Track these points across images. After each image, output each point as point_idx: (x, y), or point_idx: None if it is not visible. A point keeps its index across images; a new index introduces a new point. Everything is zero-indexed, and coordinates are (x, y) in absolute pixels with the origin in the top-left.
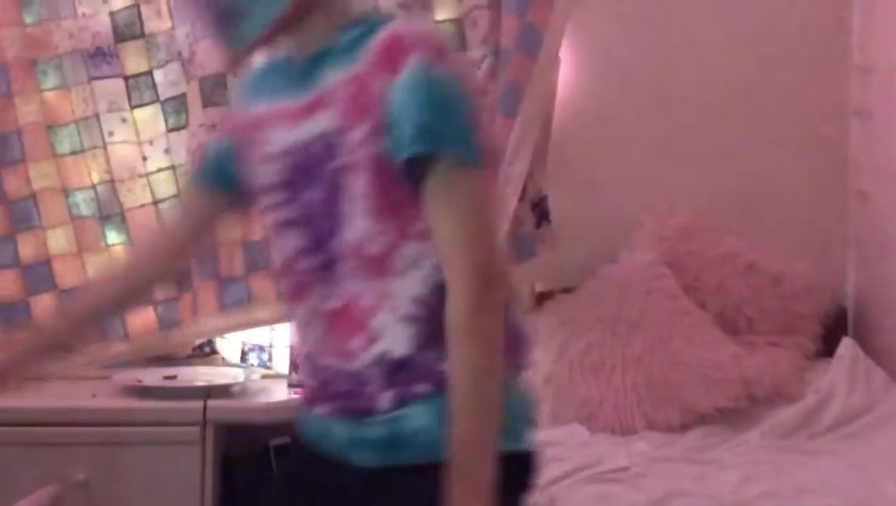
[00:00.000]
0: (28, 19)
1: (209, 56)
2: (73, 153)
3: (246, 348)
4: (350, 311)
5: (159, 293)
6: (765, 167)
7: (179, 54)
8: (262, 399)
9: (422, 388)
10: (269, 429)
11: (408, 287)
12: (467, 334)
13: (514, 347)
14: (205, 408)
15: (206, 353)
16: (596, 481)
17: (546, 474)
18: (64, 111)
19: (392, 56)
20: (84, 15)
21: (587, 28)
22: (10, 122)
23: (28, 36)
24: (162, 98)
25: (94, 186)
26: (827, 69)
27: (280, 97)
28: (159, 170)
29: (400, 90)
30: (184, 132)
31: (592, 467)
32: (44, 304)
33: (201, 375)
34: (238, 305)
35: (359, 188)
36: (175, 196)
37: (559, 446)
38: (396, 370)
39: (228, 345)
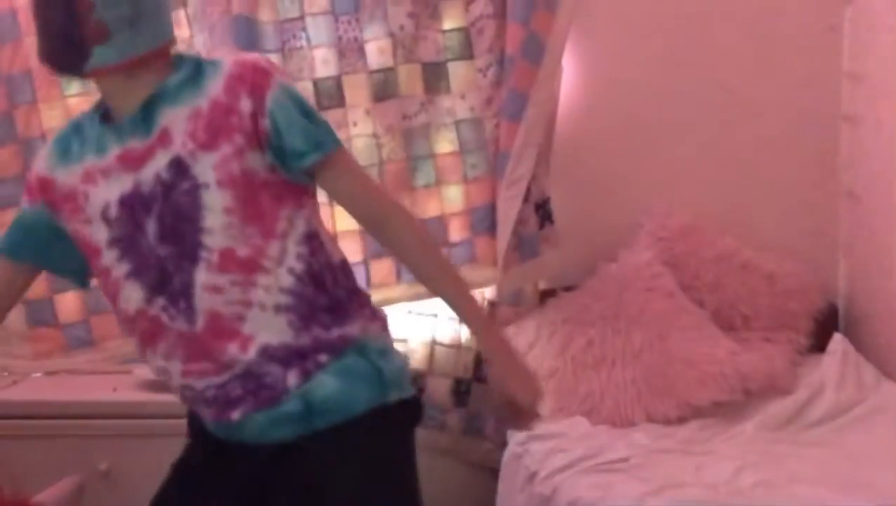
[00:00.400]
0: None
1: None
2: None
3: None
4: (215, 327)
5: None
6: (759, 170)
7: None
8: None
9: (320, 358)
10: None
11: (275, 281)
12: (424, 248)
13: (374, 313)
14: None
15: None
16: (597, 471)
17: (549, 464)
18: None
19: (250, 81)
20: None
21: (588, 37)
22: (35, 128)
23: None
24: None
25: None
26: (818, 76)
27: (109, 149)
28: None
29: (276, 106)
30: None
31: (594, 458)
32: (67, 303)
33: None
34: None
35: (221, 202)
36: None
37: (562, 437)
38: (285, 354)
39: None
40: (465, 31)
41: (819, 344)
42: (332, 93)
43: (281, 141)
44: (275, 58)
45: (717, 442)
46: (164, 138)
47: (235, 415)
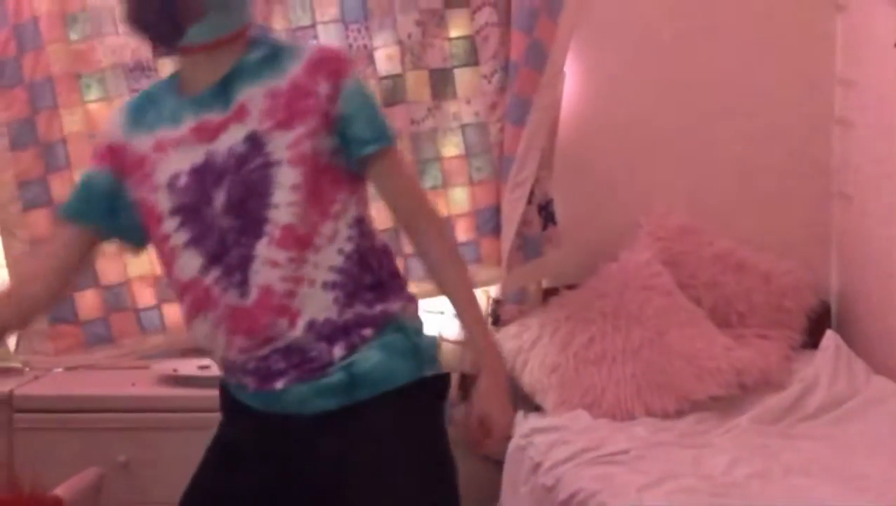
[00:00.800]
0: (73, 36)
1: None
2: None
3: None
4: (266, 301)
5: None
6: (754, 172)
7: None
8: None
9: (365, 332)
10: None
11: (325, 260)
12: (451, 249)
13: (410, 296)
14: None
15: None
16: (598, 463)
17: (552, 455)
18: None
19: (331, 66)
20: (125, 32)
21: (590, 45)
22: (56, 132)
23: (73, 52)
24: None
25: None
26: (812, 81)
27: (181, 122)
28: None
29: (351, 94)
30: None
31: (595, 450)
32: (87, 300)
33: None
34: None
35: (291, 179)
36: None
37: (564, 430)
38: (330, 330)
39: None
40: (470, 39)
41: (812, 340)
42: None
43: (348, 127)
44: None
45: (714, 435)
46: (241, 113)
47: (279, 385)
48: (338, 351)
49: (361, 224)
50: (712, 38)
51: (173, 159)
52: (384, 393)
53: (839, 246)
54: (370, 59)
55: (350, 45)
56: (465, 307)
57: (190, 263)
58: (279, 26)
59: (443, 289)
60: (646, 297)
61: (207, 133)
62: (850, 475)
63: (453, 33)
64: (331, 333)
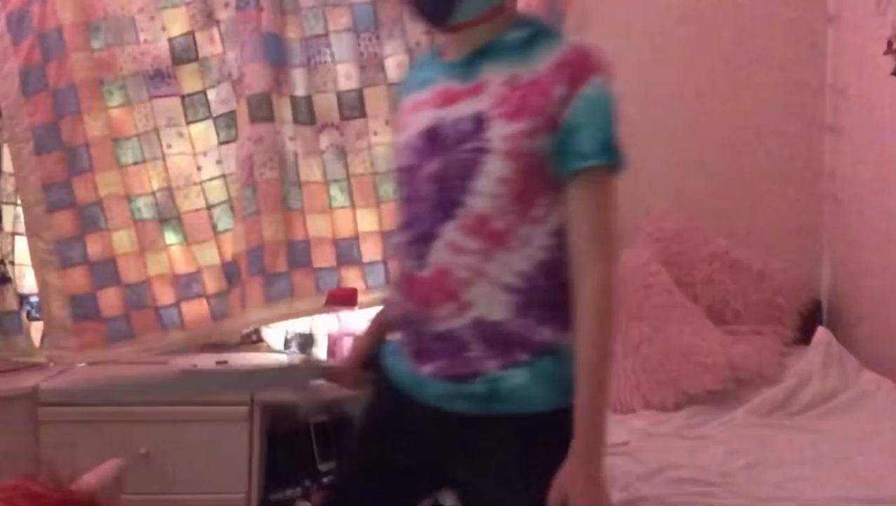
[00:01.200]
0: (96, 45)
1: (255, 77)
2: (136, 164)
3: (288, 337)
4: (439, 282)
5: (211, 287)
6: (749, 176)
7: (229, 76)
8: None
9: (521, 356)
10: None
11: (513, 262)
12: (596, 313)
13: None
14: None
15: (253, 340)
16: None
17: None
18: (127, 126)
19: (574, 70)
20: (145, 41)
21: None
22: (79, 137)
23: (95, 59)
24: (214, 115)
25: (153, 193)
26: (804, 90)
27: (432, 85)
28: (212, 178)
29: (584, 104)
30: (233, 145)
31: None
32: (109, 298)
33: (249, 360)
34: (282, 299)
35: (499, 171)
36: (226, 201)
37: None
38: (494, 334)
39: (273, 333)
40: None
41: (804, 337)
42: (355, 104)
43: (569, 136)
44: (301, 72)
45: (710, 428)
46: (477, 90)
47: (427, 369)
48: (491, 365)
49: (560, 236)
50: (709, 48)
51: (416, 119)
52: (521, 414)
53: (830, 247)
54: (381, 67)
55: (361, 53)
56: (579, 378)
57: (399, 219)
58: (293, 35)
59: (576, 339)
60: (645, 295)
61: (444, 100)
62: (842, 466)
63: None
64: (493, 337)
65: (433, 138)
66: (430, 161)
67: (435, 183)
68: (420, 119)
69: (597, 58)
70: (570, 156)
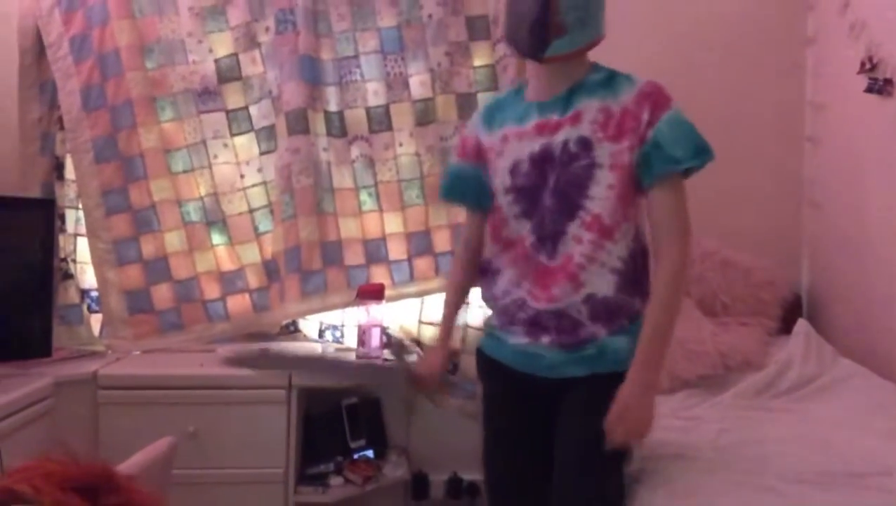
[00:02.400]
0: (149, 65)
1: (293, 94)
2: (185, 172)
3: (323, 327)
4: (565, 266)
5: (253, 283)
6: (737, 183)
7: (270, 93)
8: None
9: (623, 322)
10: (341, 392)
11: (617, 250)
12: (672, 285)
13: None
14: (290, 375)
15: (290, 331)
16: None
17: None
18: (178, 138)
19: (654, 100)
20: (194, 62)
21: None
22: (134, 148)
23: (149, 78)
24: (256, 128)
25: (201, 198)
26: (786, 105)
27: (529, 119)
28: (253, 185)
29: (668, 124)
30: (273, 155)
31: None
32: (161, 293)
33: (287, 348)
34: (316, 293)
35: (607, 180)
36: (266, 206)
37: None
38: (603, 307)
39: (309, 324)
40: (491, 68)
41: (786, 327)
42: (382, 119)
43: (655, 150)
44: (333, 90)
45: (702, 409)
46: (576, 119)
47: (545, 340)
48: (602, 332)
49: (639, 229)
50: (700, 68)
51: (515, 149)
52: (613, 372)
53: (810, 247)
54: (405, 85)
55: (388, 73)
56: (651, 333)
57: (518, 229)
58: (327, 57)
59: (650, 305)
60: None
61: (548, 129)
62: (819, 443)
63: (477, 63)
64: (602, 309)
65: (545, 160)
66: (548, 178)
67: (556, 194)
68: (524, 147)
69: (666, 90)
70: (660, 162)
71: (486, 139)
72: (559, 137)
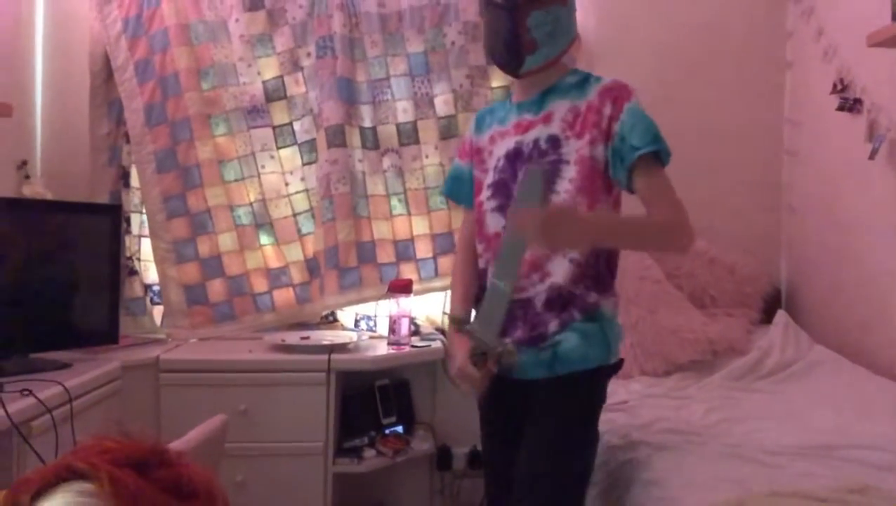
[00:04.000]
0: (205, 86)
1: (332, 112)
2: (237, 180)
3: (358, 317)
4: (532, 256)
5: (296, 278)
6: (723, 190)
7: (311, 111)
8: (370, 354)
9: (576, 315)
10: (374, 374)
11: None
12: (660, 227)
13: (614, 293)
14: (329, 360)
15: (329, 321)
16: (604, 411)
17: None
18: (230, 151)
19: (616, 94)
20: (244, 83)
21: None
22: (192, 159)
23: (205, 98)
24: (299, 141)
25: (251, 204)
26: (767, 121)
27: (509, 120)
28: (297, 192)
29: (628, 114)
30: (314, 165)
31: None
32: (215, 287)
33: (327, 336)
34: (352, 287)
35: (569, 174)
36: (308, 210)
37: None
38: (557, 295)
39: (345, 315)
40: (507, 88)
41: (767, 318)
42: (410, 133)
43: (622, 141)
44: (367, 108)
45: (693, 390)
46: (547, 119)
47: (517, 334)
48: (552, 326)
49: None
50: (690, 89)
51: (498, 147)
52: (576, 372)
53: (788, 246)
54: (431, 104)
55: (416, 93)
56: (628, 224)
57: (493, 223)
58: (361, 79)
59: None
60: (640, 284)
61: (521, 128)
62: (796, 420)
63: (494, 84)
64: (557, 298)
65: (517, 156)
66: (517, 173)
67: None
68: (505, 144)
69: (629, 86)
70: (626, 154)
71: (477, 141)
72: (531, 136)
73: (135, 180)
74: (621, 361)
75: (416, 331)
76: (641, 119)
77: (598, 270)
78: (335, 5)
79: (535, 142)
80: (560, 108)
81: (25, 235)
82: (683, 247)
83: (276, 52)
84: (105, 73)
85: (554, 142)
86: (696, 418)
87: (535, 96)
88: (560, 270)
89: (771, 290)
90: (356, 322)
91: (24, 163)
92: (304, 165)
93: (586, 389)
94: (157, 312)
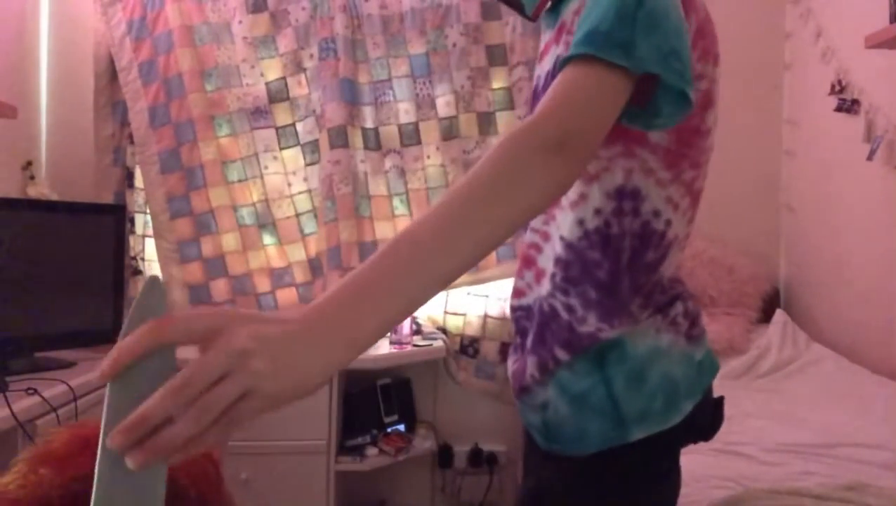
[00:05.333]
0: (208, 87)
1: (334, 113)
2: (240, 181)
3: None
4: (523, 246)
5: (299, 278)
6: (722, 190)
7: (314, 112)
8: (372, 353)
9: (560, 354)
10: (376, 373)
11: (563, 224)
12: (514, 155)
13: (649, 321)
14: None
15: None
16: None
17: None
18: (233, 152)
19: None
20: (247, 84)
21: None
22: (195, 159)
23: (208, 99)
24: (302, 142)
25: (254, 204)
26: (766, 122)
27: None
28: (300, 192)
29: (588, 5)
30: (316, 166)
31: None
32: (219, 287)
33: None
34: None
35: None
36: (311, 211)
37: None
38: (539, 310)
39: None
40: (508, 90)
41: (766, 317)
42: (412, 134)
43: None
44: (369, 109)
45: None
46: (560, 32)
47: (509, 361)
48: (531, 369)
49: (625, 199)
50: None
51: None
52: (575, 458)
53: (786, 246)
54: (433, 105)
55: (417, 94)
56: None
57: None
58: (364, 80)
59: None
60: None
61: (541, 56)
62: (794, 419)
63: (495, 85)
64: (537, 315)
65: (535, 99)
66: None
67: None
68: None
69: None
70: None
71: None
72: (545, 64)
73: (139, 181)
74: (661, 438)
75: (417, 330)
76: (599, 7)
77: (611, 280)
78: (337, 7)
79: (547, 77)
80: (569, 12)
81: (30, 235)
82: (545, 160)
83: (279, 53)
84: (109, 75)
85: (556, 69)
86: None
87: (550, 3)
88: (548, 264)
89: (769, 289)
90: None
91: (29, 164)
92: (306, 165)
93: (597, 484)
94: None
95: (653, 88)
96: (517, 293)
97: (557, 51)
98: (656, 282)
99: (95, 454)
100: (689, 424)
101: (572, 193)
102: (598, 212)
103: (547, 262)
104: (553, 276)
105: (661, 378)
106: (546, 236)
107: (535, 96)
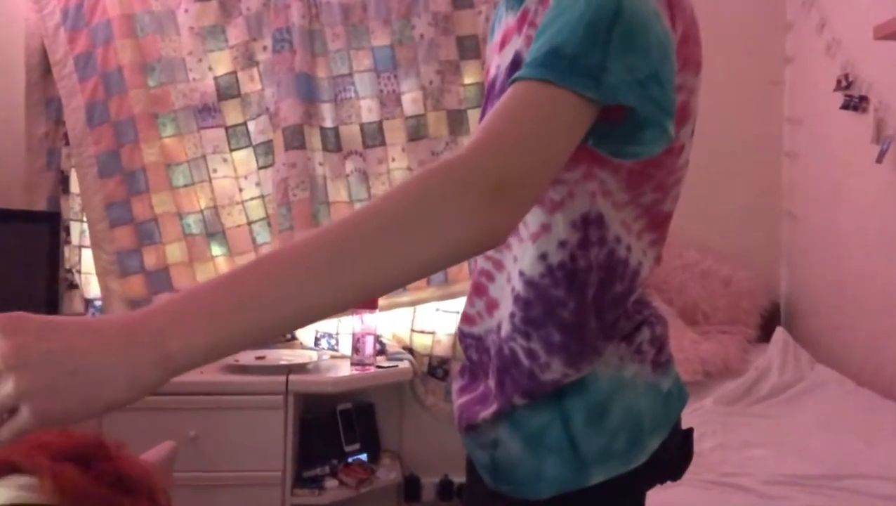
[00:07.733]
0: (151, 83)
1: (289, 111)
2: (186, 186)
3: (318, 335)
4: (480, 275)
5: None
6: (718, 196)
7: (267, 109)
8: (331, 375)
9: (517, 400)
10: (335, 397)
11: (523, 259)
12: (425, 188)
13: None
14: (287, 381)
15: (287, 339)
16: None
17: None
18: (178, 153)
19: None
20: (194, 79)
21: None
22: (136, 162)
23: (151, 96)
24: (254, 143)
25: (201, 211)
26: (765, 120)
27: (496, 30)
28: (252, 198)
29: (555, 4)
30: (270, 169)
31: None
32: (162, 302)
33: (284, 356)
34: None
35: None
36: (264, 218)
37: None
38: (497, 351)
39: (305, 333)
40: (481, 86)
41: (765, 335)
42: (375, 134)
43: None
44: (328, 107)
45: (683, 414)
46: (523, 18)
47: (454, 393)
48: (482, 413)
49: (591, 227)
50: None
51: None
52: (523, 498)
53: (788, 257)
54: (398, 102)
55: (381, 90)
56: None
57: None
58: (322, 74)
59: None
60: None
61: (501, 44)
62: (796, 447)
63: (467, 80)
64: (496, 358)
65: (489, 94)
66: None
67: None
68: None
69: None
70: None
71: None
72: (506, 56)
73: (75, 186)
74: (626, 479)
75: (381, 350)
76: (562, 17)
77: (576, 320)
78: None
79: (506, 71)
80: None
81: None
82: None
83: (228, 45)
84: (42, 69)
85: (515, 64)
86: None
87: None
88: (507, 303)
89: (769, 305)
90: (316, 340)
91: None
92: (259, 168)
93: None
94: None
95: (625, 113)
96: (467, 319)
97: (518, 44)
98: (615, 321)
99: None
100: (654, 462)
101: (532, 224)
102: (562, 244)
103: (499, 292)
104: (512, 316)
105: (624, 412)
106: (499, 265)
107: (490, 96)
